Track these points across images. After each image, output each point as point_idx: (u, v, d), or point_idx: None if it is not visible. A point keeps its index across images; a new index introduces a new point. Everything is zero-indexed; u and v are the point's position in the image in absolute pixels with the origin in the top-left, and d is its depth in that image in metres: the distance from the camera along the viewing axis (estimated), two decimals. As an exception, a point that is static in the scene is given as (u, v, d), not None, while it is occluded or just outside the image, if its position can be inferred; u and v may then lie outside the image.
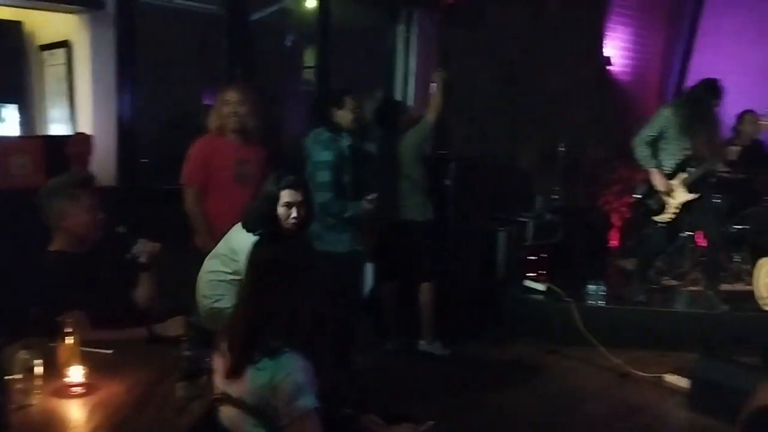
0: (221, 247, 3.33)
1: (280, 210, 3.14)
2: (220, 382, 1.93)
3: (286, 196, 3.14)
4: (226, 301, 3.17)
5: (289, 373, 1.80)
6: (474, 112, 5.94)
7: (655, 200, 5.10)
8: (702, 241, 5.65)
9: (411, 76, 5.74)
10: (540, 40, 6.29)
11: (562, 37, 6.42)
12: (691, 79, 6.24)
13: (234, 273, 3.16)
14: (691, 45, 7.98)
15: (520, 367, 4.64)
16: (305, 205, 3.20)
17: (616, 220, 6.98)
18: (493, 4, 5.89)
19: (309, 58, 5.84)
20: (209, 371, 2.01)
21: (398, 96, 5.70)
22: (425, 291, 4.69)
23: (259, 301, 1.89)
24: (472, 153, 5.90)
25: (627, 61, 7.54)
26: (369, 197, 4.09)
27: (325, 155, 4.02)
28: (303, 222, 3.21)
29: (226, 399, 1.89)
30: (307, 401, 1.80)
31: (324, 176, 4.00)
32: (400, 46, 5.75)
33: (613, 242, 6.96)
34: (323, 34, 5.30)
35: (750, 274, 5.22)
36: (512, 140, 6.29)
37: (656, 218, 5.13)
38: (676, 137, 4.97)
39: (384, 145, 4.77)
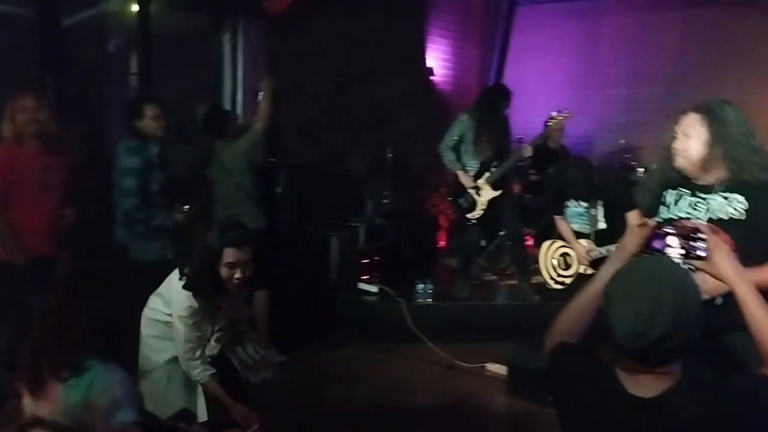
0: (163, 285, 3.01)
1: (223, 270, 2.77)
2: (29, 406, 1.84)
3: (229, 255, 2.76)
4: (161, 354, 2.95)
5: (105, 387, 1.76)
6: (305, 120, 6.02)
7: (465, 199, 5.53)
8: (530, 240, 6.17)
9: (239, 84, 5.71)
10: (366, 50, 6.50)
11: (386, 48, 6.68)
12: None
13: (171, 316, 2.91)
14: (504, 57, 8.61)
15: (354, 367, 4.77)
16: (252, 263, 2.83)
17: (442, 221, 7.36)
18: (320, 14, 6.01)
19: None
20: (17, 395, 1.91)
21: (227, 104, 5.66)
22: (260, 299, 4.69)
23: (59, 315, 1.83)
24: (303, 160, 5.98)
25: (448, 72, 7.98)
26: (183, 208, 4.08)
27: (130, 162, 3.97)
28: (248, 281, 2.89)
29: (37, 422, 1.81)
30: (126, 415, 1.77)
31: (129, 183, 3.94)
32: (226, 54, 5.70)
33: (441, 242, 7.33)
34: (145, 40, 5.14)
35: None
36: (343, 147, 6.44)
37: (468, 216, 5.55)
38: (474, 139, 5.44)
39: (213, 153, 4.75)
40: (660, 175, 2.57)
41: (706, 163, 2.39)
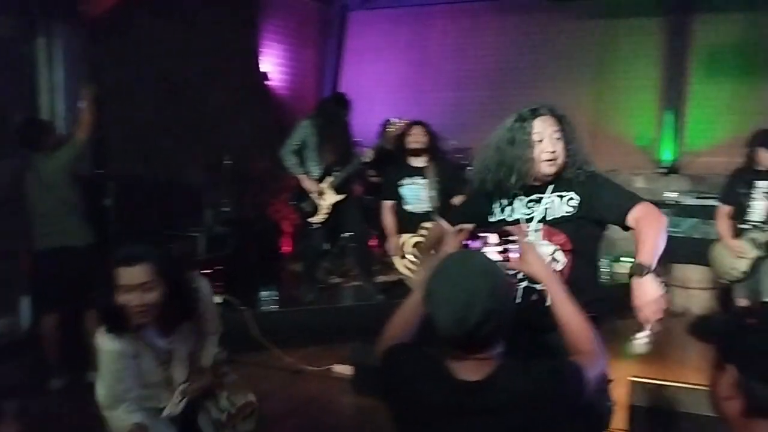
0: None
1: (119, 296, 2.27)
2: None
3: (120, 276, 2.26)
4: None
5: None
6: (134, 128, 5.76)
7: (308, 203, 5.56)
8: (374, 240, 6.30)
9: (58, 92, 5.34)
10: (197, 55, 6.34)
11: (219, 53, 6.55)
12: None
13: None
14: (340, 61, 8.74)
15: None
16: (160, 285, 2.30)
17: (286, 226, 7.33)
18: (146, 16, 5.78)
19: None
20: None
21: (44, 114, 5.27)
22: (92, 319, 4.43)
23: None
24: (134, 170, 5.72)
25: (284, 76, 7.97)
26: None
27: None
28: (158, 311, 2.32)
29: None
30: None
31: None
32: (42, 60, 5.31)
33: (286, 248, 7.31)
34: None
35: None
36: (177, 154, 6.22)
37: (311, 220, 5.59)
38: (316, 145, 5.51)
39: (32, 167, 4.42)
40: (497, 185, 2.46)
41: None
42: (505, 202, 2.51)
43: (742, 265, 4.59)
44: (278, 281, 5.91)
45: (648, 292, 2.13)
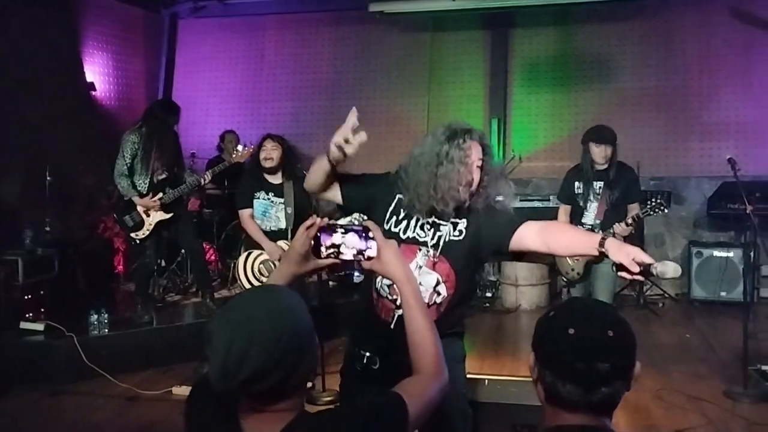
0: None
1: None
2: None
3: None
4: None
5: None
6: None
7: (131, 218, 5.26)
8: (212, 254, 6.08)
9: None
10: (10, 66, 5.85)
11: (35, 63, 6.09)
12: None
13: None
14: (171, 71, 8.43)
15: (18, 416, 4.25)
16: None
17: (119, 244, 6.95)
18: None
19: None
20: None
21: None
22: None
23: None
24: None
25: (110, 87, 7.56)
26: None
27: None
28: None
29: None
30: None
31: None
32: None
33: (120, 267, 6.93)
34: None
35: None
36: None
37: (134, 236, 5.30)
38: (144, 158, 5.23)
39: None
40: (408, 202, 2.33)
41: None
42: (401, 215, 2.36)
43: (579, 267, 4.64)
44: (111, 303, 5.58)
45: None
